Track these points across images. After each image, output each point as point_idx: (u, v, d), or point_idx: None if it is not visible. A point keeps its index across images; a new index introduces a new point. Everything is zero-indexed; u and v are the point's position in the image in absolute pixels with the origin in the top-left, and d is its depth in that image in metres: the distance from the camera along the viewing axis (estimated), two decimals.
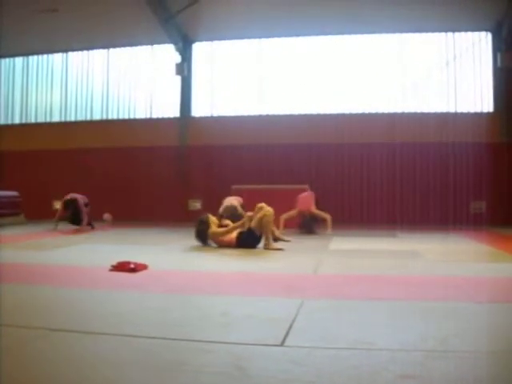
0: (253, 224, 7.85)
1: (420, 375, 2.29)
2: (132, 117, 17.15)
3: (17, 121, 18.10)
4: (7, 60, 18.10)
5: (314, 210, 11.26)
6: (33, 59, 17.98)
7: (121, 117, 17.19)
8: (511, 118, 14.61)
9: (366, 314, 3.53)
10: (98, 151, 16.38)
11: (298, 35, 16.01)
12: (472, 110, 15.17)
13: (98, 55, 17.46)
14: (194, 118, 16.59)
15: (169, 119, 16.71)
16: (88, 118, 17.49)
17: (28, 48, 17.32)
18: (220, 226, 8.40)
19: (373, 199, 14.97)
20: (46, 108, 17.91)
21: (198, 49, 16.74)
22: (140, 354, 2.60)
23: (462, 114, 15.10)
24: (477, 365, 2.44)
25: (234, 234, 7.98)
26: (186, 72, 16.23)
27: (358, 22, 14.80)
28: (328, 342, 2.76)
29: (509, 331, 3.07)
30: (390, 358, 2.50)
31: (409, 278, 5.23)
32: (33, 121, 17.96)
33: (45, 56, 17.85)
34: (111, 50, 17.27)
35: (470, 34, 15.38)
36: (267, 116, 16.07)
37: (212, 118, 16.57)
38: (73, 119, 17.61)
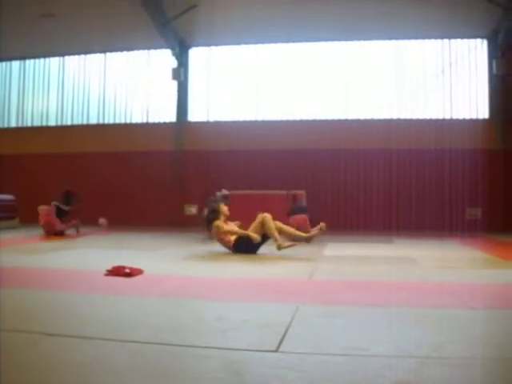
0: (251, 230, 7.85)
1: (415, 382, 2.29)
2: (128, 121, 17.16)
3: (13, 124, 18.09)
4: (4, 64, 18.11)
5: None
6: (29, 63, 17.99)
7: (117, 121, 17.21)
8: (506, 124, 14.67)
9: (362, 320, 3.52)
10: (94, 155, 16.38)
11: (294, 41, 16.07)
12: (468, 117, 15.24)
13: (94, 59, 17.49)
14: (190, 122, 16.61)
15: (165, 124, 16.73)
16: (84, 122, 17.50)
17: (25, 52, 17.33)
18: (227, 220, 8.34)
19: (369, 205, 15.00)
20: (42, 112, 17.92)
21: (195, 54, 16.78)
22: (136, 360, 2.59)
23: (457, 120, 15.17)
24: (472, 372, 2.44)
25: (234, 237, 7.97)
26: (182, 77, 16.26)
27: (355, 28, 14.87)
28: (323, 348, 2.76)
29: (504, 338, 3.08)
30: (385, 364, 2.50)
31: (404, 284, 5.23)
32: (29, 124, 17.96)
33: (41, 60, 17.86)
34: (108, 54, 17.30)
35: (465, 40, 15.48)
36: (263, 121, 16.10)
37: (208, 123, 16.59)
38: (69, 123, 17.61)
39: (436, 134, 14.81)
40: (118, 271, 5.40)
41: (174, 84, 16.51)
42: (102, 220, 14.73)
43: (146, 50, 17.00)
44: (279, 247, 7.69)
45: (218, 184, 13.72)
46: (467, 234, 13.15)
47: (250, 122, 16.18)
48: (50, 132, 17.42)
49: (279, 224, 8.01)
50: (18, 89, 18.15)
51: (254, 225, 7.89)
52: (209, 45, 16.63)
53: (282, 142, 15.36)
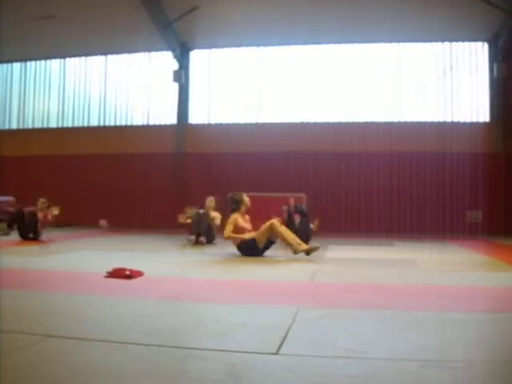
0: (257, 234, 7.81)
1: None
2: (129, 123, 17.18)
3: (14, 126, 18.11)
4: (5, 65, 18.13)
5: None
6: (30, 65, 18.02)
7: (118, 123, 17.22)
8: (507, 127, 14.67)
9: (362, 322, 3.52)
10: (95, 157, 16.38)
11: (295, 44, 16.08)
12: (469, 120, 15.23)
13: (95, 61, 17.51)
14: (191, 125, 16.61)
15: (166, 126, 16.74)
16: (85, 124, 17.51)
17: (26, 54, 17.36)
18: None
19: (370, 208, 15.00)
20: (43, 114, 17.94)
21: (196, 56, 16.80)
22: (135, 361, 2.58)
23: (458, 123, 15.17)
24: (472, 375, 2.43)
25: (225, 236, 7.95)
26: (183, 79, 16.27)
27: (356, 31, 14.88)
28: (323, 351, 2.75)
29: (505, 341, 3.07)
30: (386, 367, 2.49)
31: (405, 287, 5.22)
32: (30, 126, 17.97)
33: (42, 62, 17.89)
34: (109, 56, 17.32)
35: (467, 44, 15.48)
36: (264, 124, 16.10)
37: (209, 125, 16.60)
38: (70, 125, 17.63)
39: (437, 137, 14.82)
40: (118, 273, 5.40)
41: (175, 86, 16.52)
42: (102, 222, 14.75)
43: (147, 53, 17.02)
44: (296, 251, 7.54)
45: (219, 186, 13.72)
46: (468, 236, 13.14)
47: (251, 124, 16.18)
48: (50, 134, 17.44)
49: (283, 229, 7.87)
50: (18, 91, 18.17)
51: (262, 230, 7.82)
52: (210, 47, 16.65)
53: (283, 144, 15.35)
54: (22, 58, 17.73)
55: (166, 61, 16.68)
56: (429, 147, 14.81)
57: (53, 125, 17.79)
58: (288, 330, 3.16)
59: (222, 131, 16.19)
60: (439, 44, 15.59)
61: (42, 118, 17.96)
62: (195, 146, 16.06)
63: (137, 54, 17.14)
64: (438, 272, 6.43)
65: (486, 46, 15.32)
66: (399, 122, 15.39)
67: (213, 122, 16.67)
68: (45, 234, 10.61)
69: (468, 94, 15.48)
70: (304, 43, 16.03)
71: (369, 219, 14.96)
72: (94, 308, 3.93)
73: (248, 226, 8.22)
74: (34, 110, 18.07)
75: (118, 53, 17.16)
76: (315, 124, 15.80)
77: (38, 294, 4.48)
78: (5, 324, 3.21)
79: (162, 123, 16.93)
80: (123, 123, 17.22)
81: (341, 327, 3.36)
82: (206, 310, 3.94)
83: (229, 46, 16.52)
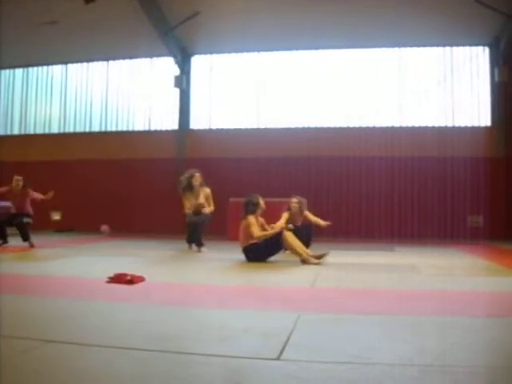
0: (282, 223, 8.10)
1: None
2: (130, 129, 17.20)
3: (16, 131, 18.14)
4: (7, 71, 18.17)
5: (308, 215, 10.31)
6: (32, 71, 18.06)
7: (119, 129, 17.24)
8: (509, 132, 14.66)
9: (363, 328, 3.52)
10: (97, 163, 16.40)
11: (296, 49, 16.10)
12: (470, 124, 15.22)
13: (97, 67, 17.54)
14: (192, 130, 16.63)
15: (167, 132, 16.76)
16: (87, 129, 17.54)
17: (28, 59, 17.40)
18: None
19: (371, 213, 14.99)
20: (44, 119, 17.97)
21: (197, 62, 16.82)
22: (137, 367, 2.59)
23: (459, 128, 15.16)
24: (474, 380, 2.44)
25: (255, 236, 7.87)
26: (184, 85, 16.29)
27: (356, 35, 14.90)
28: (325, 356, 2.76)
29: (506, 346, 3.07)
30: (387, 372, 2.49)
31: (406, 292, 5.22)
32: (32, 132, 17.99)
33: (44, 68, 17.92)
34: (110, 62, 17.35)
35: (467, 48, 15.49)
36: (265, 129, 16.11)
37: (210, 130, 16.61)
38: (71, 131, 17.65)
39: (438, 142, 14.82)
40: (119, 278, 5.40)
41: (176, 92, 16.54)
42: (104, 227, 14.77)
43: (149, 58, 17.05)
44: (304, 262, 7.56)
45: (221, 191, 13.70)
46: (469, 241, 13.13)
47: (252, 129, 16.19)
48: (52, 139, 17.46)
49: (292, 239, 7.85)
50: (20, 96, 18.21)
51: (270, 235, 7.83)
52: (211, 52, 16.67)
53: (284, 149, 15.36)
54: (24, 63, 17.76)
55: (167, 66, 16.70)
56: (430, 152, 14.81)
57: (54, 130, 17.80)
58: (289, 336, 3.16)
59: (222, 136, 16.21)
60: (440, 49, 15.59)
61: (44, 123, 17.98)
62: (196, 152, 16.06)
63: (138, 60, 17.17)
64: (439, 277, 6.43)
65: (486, 50, 15.33)
66: (400, 127, 15.39)
67: (214, 127, 16.68)
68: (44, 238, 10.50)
69: (469, 99, 15.48)
70: (304, 48, 16.04)
71: (370, 224, 14.95)
72: (96, 313, 3.94)
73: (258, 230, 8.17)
74: (35, 116, 18.10)
75: (119, 58, 17.19)
76: (316, 129, 15.80)
77: (38, 298, 4.49)
78: (4, 329, 3.22)
79: (164, 129, 16.95)
80: (125, 129, 17.24)
81: (342, 332, 3.36)
82: (207, 315, 3.94)
83: (230, 52, 16.55)
